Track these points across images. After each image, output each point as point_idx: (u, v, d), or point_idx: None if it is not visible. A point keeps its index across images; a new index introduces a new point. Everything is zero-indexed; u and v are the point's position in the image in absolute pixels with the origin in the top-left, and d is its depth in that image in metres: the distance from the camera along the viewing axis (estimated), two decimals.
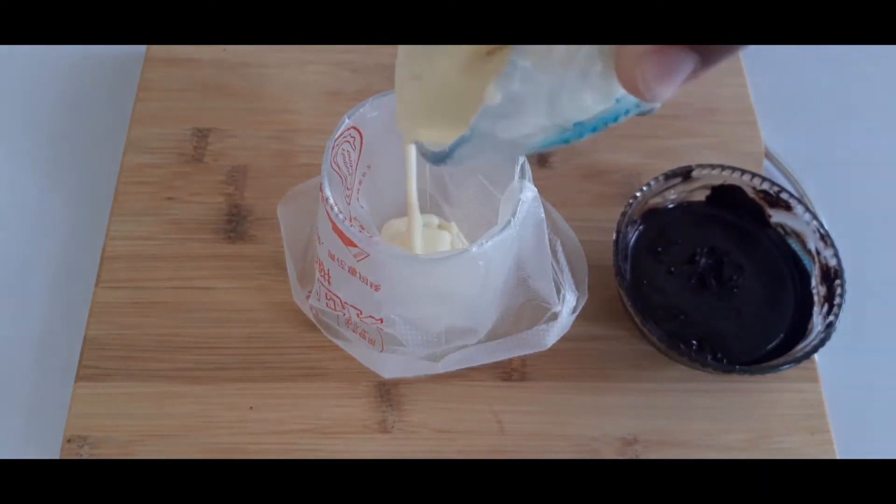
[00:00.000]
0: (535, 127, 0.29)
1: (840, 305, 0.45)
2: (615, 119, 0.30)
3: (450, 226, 0.48)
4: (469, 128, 0.29)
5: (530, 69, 0.27)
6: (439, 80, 0.32)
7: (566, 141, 0.30)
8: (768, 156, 0.55)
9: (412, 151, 0.40)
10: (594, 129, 0.30)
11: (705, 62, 0.25)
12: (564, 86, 0.28)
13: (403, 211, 0.43)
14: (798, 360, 0.44)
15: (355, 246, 0.39)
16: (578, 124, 0.29)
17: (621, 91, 0.27)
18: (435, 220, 0.48)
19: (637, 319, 0.45)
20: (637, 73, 0.25)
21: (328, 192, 0.39)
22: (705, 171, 0.49)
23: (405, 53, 0.34)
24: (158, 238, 0.50)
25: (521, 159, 0.40)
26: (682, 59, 0.24)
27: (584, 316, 0.45)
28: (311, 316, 0.46)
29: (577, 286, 0.45)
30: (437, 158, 0.32)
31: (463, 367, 0.45)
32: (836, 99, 0.60)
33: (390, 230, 0.48)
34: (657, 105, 0.30)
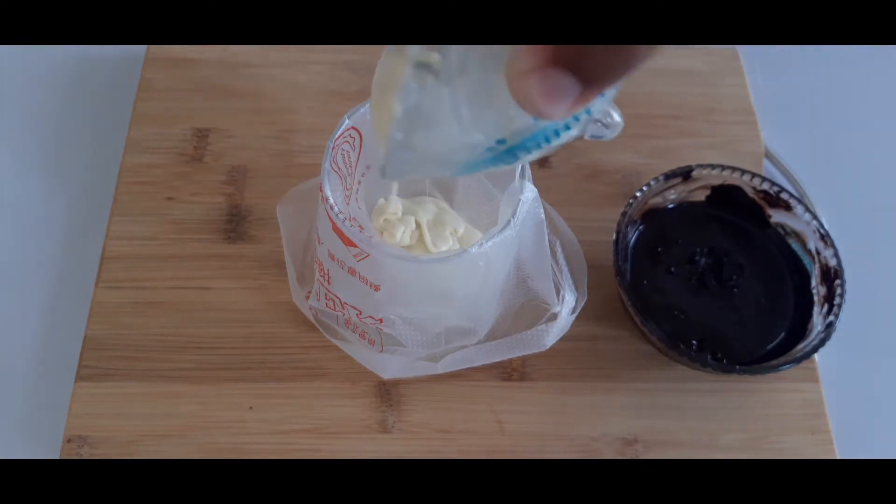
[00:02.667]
0: (453, 142, 0.29)
1: (840, 305, 0.45)
2: (546, 139, 0.29)
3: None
4: (389, 140, 0.29)
5: (428, 82, 0.27)
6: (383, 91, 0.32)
7: (503, 162, 0.30)
8: (768, 156, 0.55)
9: None
10: (527, 150, 0.30)
11: (588, 87, 0.24)
12: (463, 98, 0.28)
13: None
14: (798, 360, 0.44)
15: (355, 246, 0.39)
16: (501, 142, 0.29)
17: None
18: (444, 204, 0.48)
19: (637, 319, 0.45)
20: (522, 89, 0.25)
21: (328, 192, 0.39)
22: (705, 171, 0.49)
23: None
24: (158, 238, 0.50)
25: None
26: (563, 80, 0.24)
27: (584, 316, 0.45)
28: (310, 316, 0.46)
29: (577, 287, 0.45)
30: (381, 172, 0.32)
31: (463, 367, 0.45)
32: (836, 99, 0.60)
33: (382, 212, 0.48)
34: (609, 132, 0.30)
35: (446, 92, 0.27)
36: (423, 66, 0.27)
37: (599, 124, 0.30)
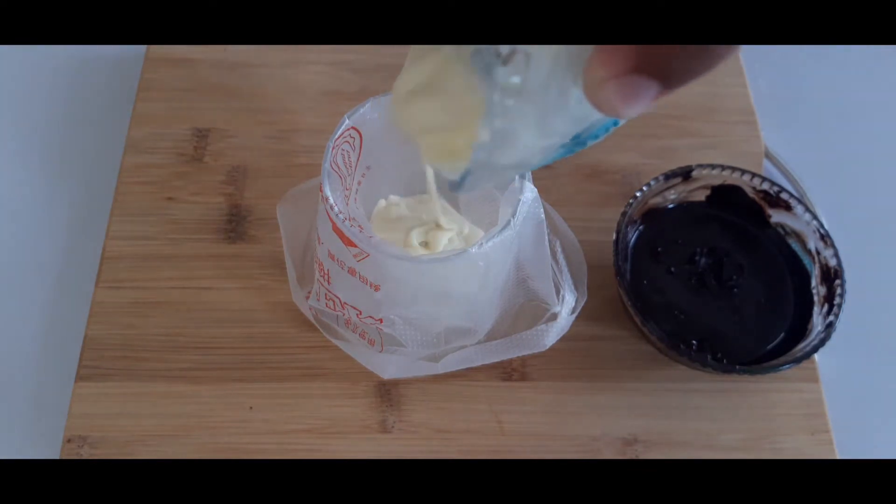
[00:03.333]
0: (533, 149, 0.30)
1: (840, 305, 0.45)
2: (615, 123, 0.30)
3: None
4: (470, 162, 0.29)
5: (510, 104, 0.27)
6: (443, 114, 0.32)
7: (571, 152, 0.31)
8: (768, 156, 0.55)
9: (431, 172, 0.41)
10: (595, 137, 0.30)
11: (667, 86, 0.25)
12: (548, 110, 0.28)
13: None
14: (798, 360, 0.44)
15: (355, 246, 0.39)
16: (576, 136, 0.30)
17: None
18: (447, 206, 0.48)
19: (637, 319, 0.45)
20: (601, 97, 0.25)
21: (328, 192, 0.39)
22: (705, 171, 0.49)
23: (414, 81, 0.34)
24: (158, 238, 0.50)
25: None
26: (643, 84, 0.25)
27: (584, 316, 0.45)
28: (310, 316, 0.46)
29: (577, 287, 0.45)
30: (452, 187, 0.32)
31: (463, 367, 0.45)
32: (836, 99, 0.60)
33: (385, 213, 0.48)
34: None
35: (526, 108, 0.28)
36: (507, 88, 0.27)
37: None
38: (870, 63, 0.61)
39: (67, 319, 0.49)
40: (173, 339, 0.47)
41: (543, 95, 0.27)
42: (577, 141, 0.30)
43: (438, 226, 0.46)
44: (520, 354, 0.45)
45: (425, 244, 0.46)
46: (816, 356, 0.47)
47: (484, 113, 0.27)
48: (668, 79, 0.25)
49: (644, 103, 0.25)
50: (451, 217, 0.47)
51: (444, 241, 0.45)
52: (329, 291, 0.43)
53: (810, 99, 0.60)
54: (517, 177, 0.40)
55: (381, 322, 0.42)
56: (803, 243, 0.48)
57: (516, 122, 0.28)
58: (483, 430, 0.45)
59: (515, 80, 0.27)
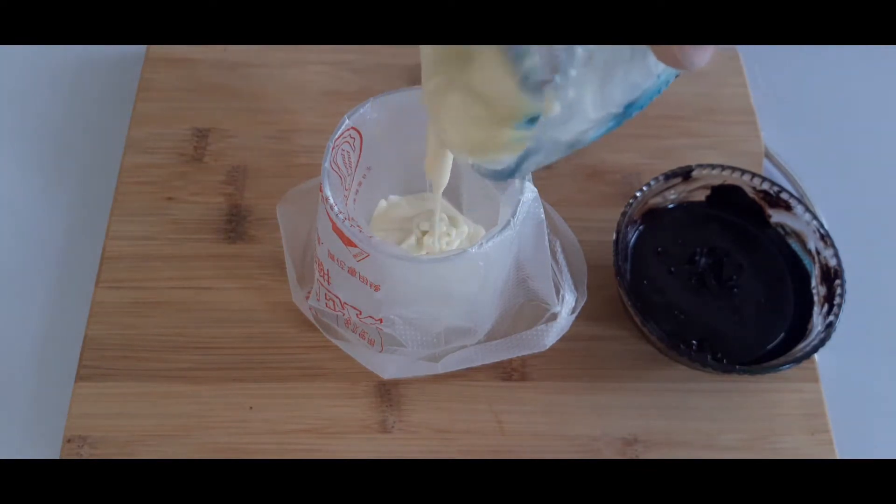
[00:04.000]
0: (592, 121, 0.30)
1: (840, 305, 0.45)
2: (658, 91, 0.31)
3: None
4: (534, 140, 0.29)
5: (579, 73, 0.27)
6: (483, 100, 0.32)
7: (618, 124, 0.31)
8: (768, 156, 0.55)
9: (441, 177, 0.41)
10: (641, 107, 0.31)
11: None
12: (613, 79, 0.29)
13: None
14: (798, 360, 0.44)
15: (355, 246, 0.39)
16: (629, 105, 0.30)
17: (661, 66, 0.29)
18: (448, 206, 0.48)
19: (637, 319, 0.45)
20: (672, 51, 0.26)
21: (328, 192, 0.39)
22: (705, 171, 0.49)
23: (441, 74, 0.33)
24: (158, 238, 0.50)
25: None
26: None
27: (584, 316, 0.45)
28: (310, 316, 0.46)
29: (577, 287, 0.45)
30: (501, 176, 0.32)
31: (463, 367, 0.45)
32: (836, 99, 0.60)
33: (386, 213, 0.48)
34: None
35: (594, 76, 0.28)
36: (572, 59, 0.28)
37: None
38: (870, 63, 0.61)
39: (67, 319, 0.49)
40: (173, 339, 0.47)
41: (608, 61, 0.28)
42: (627, 112, 0.31)
43: (447, 228, 0.46)
44: (520, 354, 0.45)
45: (421, 242, 0.46)
46: (816, 356, 0.47)
47: (555, 86, 0.27)
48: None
49: (712, 47, 0.26)
50: (453, 216, 0.47)
51: (445, 241, 0.46)
52: (329, 291, 0.43)
53: (810, 99, 0.60)
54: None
55: (381, 322, 0.42)
56: (803, 243, 0.48)
57: (584, 91, 0.28)
58: (483, 430, 0.45)
59: (583, 50, 0.27)
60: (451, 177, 0.41)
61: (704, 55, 0.26)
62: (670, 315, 0.46)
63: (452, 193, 0.48)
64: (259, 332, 0.47)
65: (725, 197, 0.50)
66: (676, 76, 0.31)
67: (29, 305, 0.50)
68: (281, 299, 0.48)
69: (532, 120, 0.30)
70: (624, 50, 0.28)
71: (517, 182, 0.40)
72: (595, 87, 0.29)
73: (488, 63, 0.30)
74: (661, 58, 0.27)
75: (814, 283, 0.47)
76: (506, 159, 0.32)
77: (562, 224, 0.48)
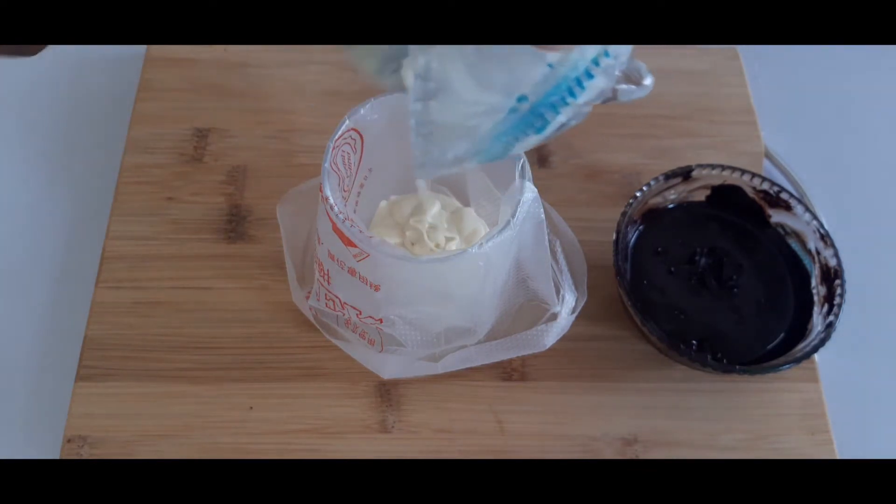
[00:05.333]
0: (475, 105, 0.28)
1: (840, 305, 0.45)
2: (570, 92, 0.28)
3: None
4: (412, 118, 0.28)
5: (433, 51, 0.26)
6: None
7: (536, 128, 0.29)
8: (768, 156, 0.55)
9: None
10: (553, 107, 0.28)
11: None
12: (478, 57, 0.26)
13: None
14: (798, 360, 0.44)
15: (355, 246, 0.39)
16: (523, 99, 0.28)
17: (552, 55, 0.26)
18: (454, 202, 0.48)
19: (637, 319, 0.45)
20: None
21: (328, 192, 0.39)
22: (705, 171, 0.49)
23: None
24: (158, 238, 0.50)
25: (522, 159, 0.40)
26: None
27: (584, 316, 0.45)
28: (310, 316, 0.46)
29: (577, 286, 0.45)
30: (416, 165, 0.31)
31: (463, 367, 0.45)
32: (836, 99, 0.60)
33: (387, 213, 0.48)
34: (639, 90, 0.28)
35: (451, 51, 0.26)
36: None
37: (628, 83, 0.29)
38: (870, 63, 0.61)
39: (67, 319, 0.49)
40: (173, 339, 0.47)
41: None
42: (532, 110, 0.28)
43: (448, 226, 0.46)
44: (520, 354, 0.45)
45: (422, 242, 0.46)
46: (816, 356, 0.47)
47: (410, 52, 0.26)
48: None
49: None
50: (456, 210, 0.47)
51: (445, 236, 0.45)
52: (329, 291, 0.43)
53: (810, 99, 0.60)
54: (517, 177, 0.40)
55: (381, 322, 0.42)
56: (803, 243, 0.48)
57: (444, 63, 0.26)
58: (483, 430, 0.45)
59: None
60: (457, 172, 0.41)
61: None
62: (670, 315, 0.46)
63: (460, 189, 0.48)
64: (259, 332, 0.47)
65: (725, 197, 0.50)
66: (603, 75, 0.28)
67: (29, 305, 0.50)
68: (281, 299, 0.48)
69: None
70: None
71: (517, 182, 0.40)
72: (458, 62, 0.26)
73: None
74: None
75: (814, 283, 0.47)
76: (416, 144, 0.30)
77: (562, 224, 0.48)
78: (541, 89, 0.28)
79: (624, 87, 0.30)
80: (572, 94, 0.28)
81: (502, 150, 0.31)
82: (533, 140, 0.30)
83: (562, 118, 0.29)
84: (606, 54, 0.28)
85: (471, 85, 0.27)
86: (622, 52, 0.28)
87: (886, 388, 0.49)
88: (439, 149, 0.31)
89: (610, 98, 0.30)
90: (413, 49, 0.26)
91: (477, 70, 0.27)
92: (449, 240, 0.45)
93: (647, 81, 0.30)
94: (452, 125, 0.29)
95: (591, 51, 0.27)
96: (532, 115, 0.28)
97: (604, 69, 0.28)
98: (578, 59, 0.27)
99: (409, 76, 0.27)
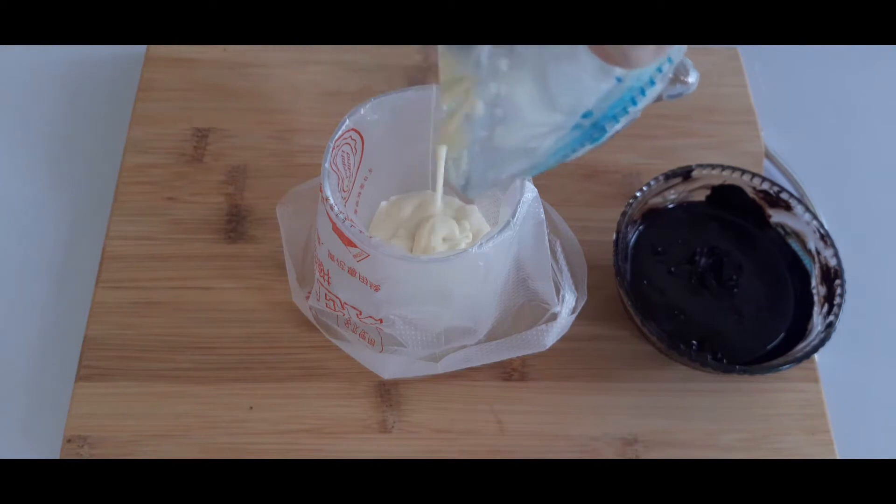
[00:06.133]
0: (538, 126, 0.28)
1: (840, 305, 0.45)
2: (632, 100, 0.28)
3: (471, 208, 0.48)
4: (469, 145, 0.28)
5: (504, 66, 0.26)
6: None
7: (593, 139, 0.29)
8: (768, 156, 0.55)
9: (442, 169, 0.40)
10: (615, 118, 0.28)
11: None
12: (548, 76, 0.26)
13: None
14: (798, 360, 0.44)
15: (355, 246, 0.39)
16: (588, 115, 0.28)
17: (618, 69, 0.26)
18: (456, 201, 0.48)
19: (637, 319, 0.45)
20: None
21: (328, 193, 0.39)
22: (705, 171, 0.49)
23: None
24: (158, 238, 0.50)
25: None
26: None
27: (584, 316, 0.45)
28: (310, 316, 0.46)
29: (577, 286, 0.45)
30: (462, 191, 0.31)
31: (463, 367, 0.45)
32: (836, 99, 0.60)
33: (388, 213, 0.48)
34: (689, 88, 0.28)
35: (525, 72, 0.26)
36: (493, 54, 0.26)
37: (679, 82, 0.29)
38: (870, 63, 0.61)
39: (67, 319, 0.49)
40: (173, 339, 0.47)
41: (536, 55, 0.26)
42: (594, 123, 0.28)
43: (451, 225, 0.46)
44: (520, 354, 0.45)
45: (422, 243, 0.46)
46: (816, 356, 0.47)
47: (476, 81, 0.26)
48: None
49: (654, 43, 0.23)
50: (460, 207, 0.47)
51: (455, 230, 0.45)
52: (329, 292, 0.43)
53: (810, 99, 0.60)
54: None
55: (381, 322, 0.42)
56: (803, 243, 0.48)
57: (514, 88, 0.26)
58: (483, 430, 0.45)
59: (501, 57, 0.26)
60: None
61: (644, 51, 0.23)
62: (670, 315, 0.46)
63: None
64: (259, 332, 0.47)
65: (725, 197, 0.50)
66: (670, 95, 0.28)
67: (29, 305, 0.50)
68: (281, 299, 0.48)
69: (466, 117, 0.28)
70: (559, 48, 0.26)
71: (517, 182, 0.40)
72: (528, 86, 0.27)
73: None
74: (594, 49, 0.24)
75: (814, 283, 0.47)
76: (456, 169, 0.30)
77: (562, 224, 0.48)
78: (605, 103, 0.28)
79: (671, 88, 0.29)
80: (634, 103, 0.28)
81: (556, 162, 0.31)
82: (588, 149, 0.30)
83: (618, 126, 0.29)
84: (669, 60, 0.28)
85: (539, 107, 0.27)
86: (680, 54, 0.28)
87: (886, 388, 0.49)
88: (496, 171, 0.31)
89: (658, 98, 0.30)
90: (483, 77, 0.26)
91: (546, 92, 0.27)
92: (460, 238, 0.45)
93: (692, 79, 0.30)
94: (514, 148, 0.29)
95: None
96: (593, 128, 0.28)
97: (664, 75, 0.28)
98: (644, 70, 0.26)
99: (478, 106, 0.26)
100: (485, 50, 0.25)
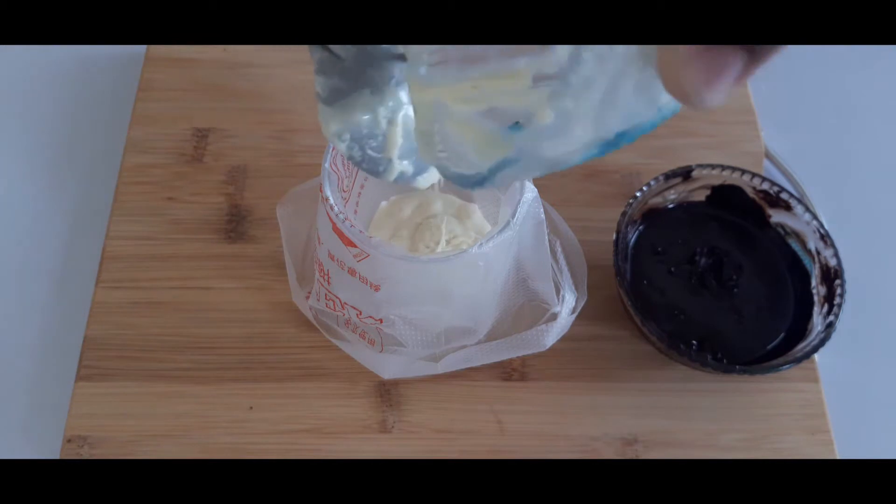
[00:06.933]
0: (580, 142, 0.28)
1: (840, 305, 0.45)
2: (653, 126, 0.28)
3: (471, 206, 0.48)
4: (515, 148, 0.28)
5: (583, 86, 0.26)
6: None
7: (602, 153, 0.29)
8: (768, 156, 0.55)
9: None
10: (631, 139, 0.29)
11: (754, 61, 0.23)
12: (614, 102, 0.27)
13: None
14: (798, 360, 0.44)
15: (355, 246, 0.39)
16: (621, 135, 0.28)
17: (665, 98, 0.26)
18: (457, 200, 0.48)
19: (637, 319, 0.45)
20: (684, 77, 0.23)
21: (328, 193, 0.39)
22: (705, 171, 0.49)
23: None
24: (158, 238, 0.50)
25: None
26: (732, 59, 0.23)
27: (584, 316, 0.45)
28: (310, 316, 0.46)
29: (577, 286, 0.45)
30: (469, 182, 0.31)
31: (463, 367, 0.45)
32: (836, 99, 0.60)
33: (388, 213, 0.48)
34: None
35: (593, 95, 0.26)
36: (541, 79, 0.26)
37: None
38: (870, 63, 0.61)
39: (67, 319, 0.49)
40: (173, 339, 0.47)
41: (612, 81, 0.26)
42: (616, 142, 0.29)
43: (452, 225, 0.46)
44: (520, 354, 0.45)
45: (422, 243, 0.46)
46: (816, 356, 0.47)
47: (553, 93, 0.26)
48: (756, 50, 0.22)
49: (728, 84, 0.23)
50: (462, 205, 0.47)
51: (444, 240, 0.46)
52: (329, 292, 0.43)
53: (810, 99, 0.60)
54: None
55: (381, 322, 0.42)
56: (803, 243, 0.48)
57: (580, 108, 0.26)
58: (483, 430, 0.45)
59: (590, 56, 0.25)
60: None
61: (718, 94, 0.23)
62: (670, 315, 0.46)
63: (459, 189, 0.48)
64: (259, 332, 0.47)
65: (725, 197, 0.50)
66: (673, 113, 0.29)
67: (29, 305, 0.50)
68: (281, 299, 0.48)
69: (517, 126, 0.29)
70: (631, 72, 0.26)
71: (517, 182, 0.40)
72: (594, 107, 0.27)
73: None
74: (670, 88, 0.24)
75: (814, 283, 0.47)
76: (479, 164, 0.30)
77: (562, 224, 0.48)
78: (637, 126, 0.28)
79: None
80: (652, 127, 0.29)
81: (574, 164, 0.31)
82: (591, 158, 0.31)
83: (630, 142, 0.30)
84: None
85: (591, 127, 0.27)
86: None
87: (886, 388, 0.49)
88: (525, 174, 0.32)
89: None
90: (563, 87, 0.26)
91: (600, 113, 0.27)
92: (458, 236, 0.45)
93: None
94: (550, 159, 0.29)
95: None
96: (613, 144, 0.29)
97: (677, 110, 0.29)
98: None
99: (548, 114, 0.27)
100: (567, 59, 0.26)
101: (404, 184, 0.37)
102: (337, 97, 0.34)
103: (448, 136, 0.31)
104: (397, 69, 0.34)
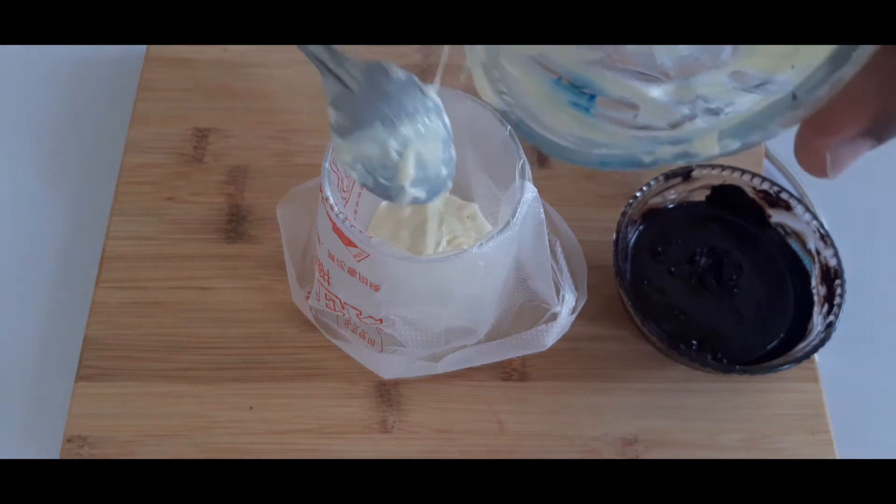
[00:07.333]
0: (638, 151, 0.30)
1: (840, 305, 0.45)
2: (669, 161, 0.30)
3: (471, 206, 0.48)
4: (621, 146, 0.30)
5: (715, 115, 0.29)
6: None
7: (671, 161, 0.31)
8: (768, 156, 0.55)
9: None
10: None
11: (879, 144, 0.26)
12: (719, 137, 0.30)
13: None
14: (798, 360, 0.44)
15: (355, 246, 0.39)
16: (654, 162, 0.30)
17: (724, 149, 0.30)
18: (457, 200, 0.48)
19: (637, 319, 0.45)
20: (828, 158, 0.26)
21: (328, 193, 0.39)
22: (705, 171, 0.49)
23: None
24: (158, 238, 0.50)
25: (522, 159, 0.40)
26: (864, 145, 0.26)
27: (584, 316, 0.45)
28: (310, 316, 0.46)
29: (577, 286, 0.45)
30: (563, 153, 0.32)
31: (463, 367, 0.45)
32: None
33: (391, 214, 0.48)
34: None
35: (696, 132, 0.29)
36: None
37: None
38: None
39: (67, 319, 0.49)
40: (173, 339, 0.47)
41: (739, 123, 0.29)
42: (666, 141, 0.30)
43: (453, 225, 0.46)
44: (520, 354, 0.45)
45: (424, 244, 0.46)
46: (816, 356, 0.47)
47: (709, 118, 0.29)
48: (882, 136, 0.25)
49: (852, 162, 0.26)
50: (463, 204, 0.47)
51: (444, 240, 0.46)
52: (329, 292, 0.43)
53: None
54: (517, 176, 0.40)
55: (381, 322, 0.42)
56: (803, 243, 0.48)
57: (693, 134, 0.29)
58: (483, 430, 0.45)
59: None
60: (460, 173, 0.41)
61: (843, 170, 0.26)
62: (670, 315, 0.46)
63: (461, 189, 0.48)
64: (259, 332, 0.47)
65: (725, 197, 0.50)
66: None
67: (29, 305, 0.50)
68: (281, 299, 0.48)
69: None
70: (754, 133, 0.29)
71: (517, 182, 0.40)
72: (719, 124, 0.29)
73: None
74: (804, 161, 0.27)
75: (814, 283, 0.47)
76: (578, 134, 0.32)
77: (562, 224, 0.48)
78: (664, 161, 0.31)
79: None
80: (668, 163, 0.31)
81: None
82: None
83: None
84: None
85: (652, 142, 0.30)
86: None
87: (886, 388, 0.49)
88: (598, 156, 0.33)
89: None
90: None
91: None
92: (458, 236, 0.45)
93: None
94: (598, 156, 0.32)
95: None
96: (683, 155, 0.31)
97: None
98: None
99: (715, 147, 0.29)
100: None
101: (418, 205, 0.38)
102: (349, 130, 0.35)
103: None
104: (410, 104, 0.35)
